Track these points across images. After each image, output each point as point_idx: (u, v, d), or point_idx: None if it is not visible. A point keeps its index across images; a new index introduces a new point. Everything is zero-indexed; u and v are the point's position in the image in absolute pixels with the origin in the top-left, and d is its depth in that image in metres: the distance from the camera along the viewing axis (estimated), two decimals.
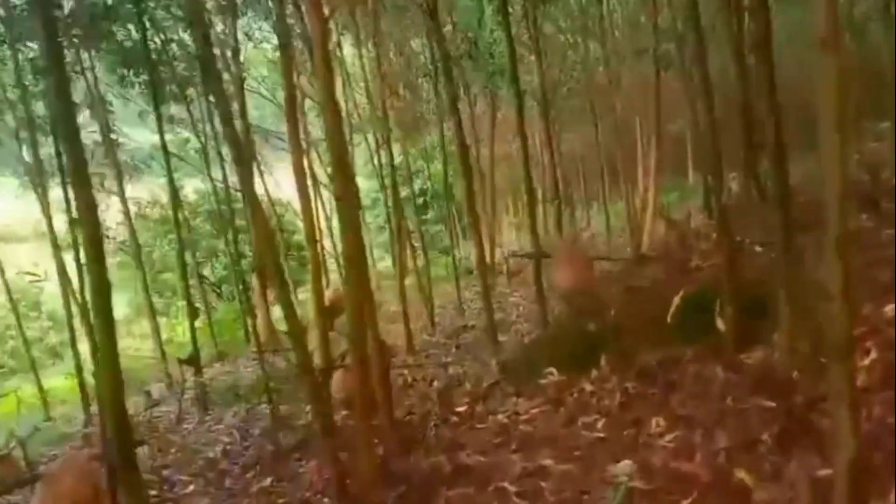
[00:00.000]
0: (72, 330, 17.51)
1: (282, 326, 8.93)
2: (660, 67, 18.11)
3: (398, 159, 25.07)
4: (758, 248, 10.56)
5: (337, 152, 6.09)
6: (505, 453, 7.71)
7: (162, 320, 28.56)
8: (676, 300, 9.14)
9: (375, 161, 22.84)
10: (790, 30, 23.32)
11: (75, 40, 18.08)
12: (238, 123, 21.88)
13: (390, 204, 21.00)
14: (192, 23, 11.63)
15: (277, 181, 27.14)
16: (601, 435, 7.41)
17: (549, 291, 13.35)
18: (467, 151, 14.68)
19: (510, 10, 18.49)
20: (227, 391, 16.15)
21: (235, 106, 21.53)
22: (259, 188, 24.03)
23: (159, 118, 16.65)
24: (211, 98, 23.06)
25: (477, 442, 8.33)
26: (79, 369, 16.90)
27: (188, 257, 23.42)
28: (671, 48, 16.96)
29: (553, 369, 9.55)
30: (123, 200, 21.17)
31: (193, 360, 16.36)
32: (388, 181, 19.60)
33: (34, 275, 22.58)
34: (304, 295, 27.73)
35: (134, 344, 25.65)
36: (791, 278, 7.33)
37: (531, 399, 9.17)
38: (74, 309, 15.98)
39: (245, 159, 7.35)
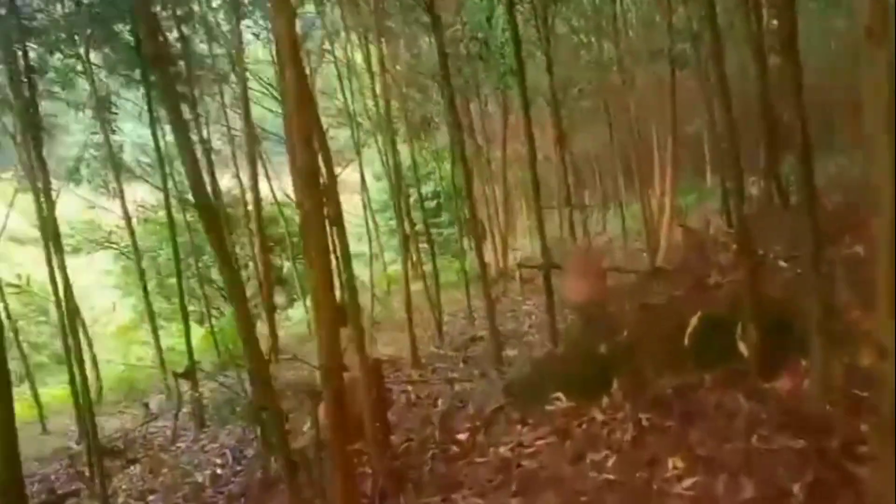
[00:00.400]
0: (64, 338, 16.84)
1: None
2: (675, 67, 17.45)
3: (408, 161, 24.63)
4: (782, 263, 9.78)
5: (305, 161, 5.34)
6: (504, 496, 6.99)
7: (171, 326, 28.13)
8: (694, 320, 8.38)
9: (383, 163, 22.21)
10: (807, 28, 22.69)
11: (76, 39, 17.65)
12: (241, 124, 21.65)
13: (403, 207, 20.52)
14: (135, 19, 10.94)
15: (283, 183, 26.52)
16: (611, 477, 6.67)
17: (560, 304, 12.74)
18: (465, 157, 14.04)
19: (520, 9, 18.04)
20: (226, 406, 15.51)
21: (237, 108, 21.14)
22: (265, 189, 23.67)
23: (152, 120, 16.02)
24: (218, 99, 22.94)
25: (475, 480, 7.62)
26: (72, 379, 16.25)
27: (196, 262, 22.89)
28: (687, 48, 16.37)
29: (561, 394, 8.81)
30: (123, 203, 20.61)
31: (189, 374, 15.67)
32: (395, 184, 18.96)
33: (15, 285, 21.97)
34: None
35: (138, 352, 25.15)
36: (820, 297, 6.61)
37: (536, 428, 8.42)
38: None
39: (197, 170, 6.68)
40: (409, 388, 13.60)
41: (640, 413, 7.63)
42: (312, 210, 5.34)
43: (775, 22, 18.58)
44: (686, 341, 8.32)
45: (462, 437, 9.17)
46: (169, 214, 17.14)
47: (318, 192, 5.43)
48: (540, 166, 29.71)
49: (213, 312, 24.18)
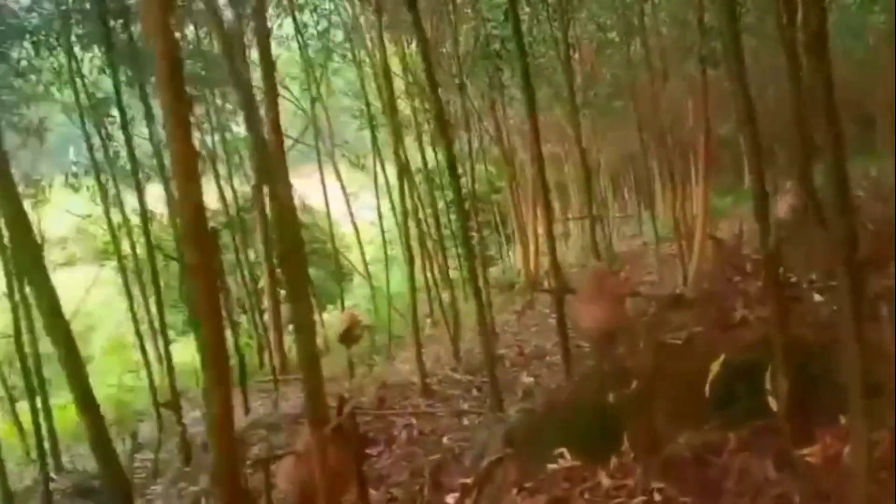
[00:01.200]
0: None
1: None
2: (706, 66, 16.46)
3: (432, 163, 23.78)
4: (818, 297, 8.52)
5: (190, 203, 4.20)
6: None
7: (185, 338, 27.27)
8: (715, 366, 7.21)
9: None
10: (845, 23, 21.67)
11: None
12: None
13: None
14: None
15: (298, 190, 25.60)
16: None
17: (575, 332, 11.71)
18: (455, 162, 13.08)
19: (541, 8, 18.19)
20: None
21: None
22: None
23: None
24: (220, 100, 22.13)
25: None
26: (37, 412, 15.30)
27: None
28: (717, 46, 15.44)
29: (565, 450, 7.66)
30: (122, 210, 19.69)
31: (172, 404, 14.58)
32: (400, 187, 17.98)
33: None
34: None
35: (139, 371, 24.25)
36: (859, 340, 5.44)
37: (533, 495, 7.27)
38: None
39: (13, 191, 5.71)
40: (414, 421, 12.60)
41: (653, 480, 6.51)
42: (200, 264, 4.22)
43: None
44: (707, 390, 7.17)
45: (451, 500, 8.12)
46: (144, 223, 16.01)
47: (206, 240, 4.30)
48: (575, 170, 29.11)
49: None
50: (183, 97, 4.17)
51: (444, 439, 11.27)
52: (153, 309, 18.20)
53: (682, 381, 7.54)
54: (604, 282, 10.62)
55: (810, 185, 12.14)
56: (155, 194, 24.41)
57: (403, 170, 17.56)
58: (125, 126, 15.41)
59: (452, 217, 27.07)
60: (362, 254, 27.99)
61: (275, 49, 25.31)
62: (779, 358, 6.35)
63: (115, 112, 19.48)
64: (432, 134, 24.67)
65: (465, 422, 12.03)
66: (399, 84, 22.86)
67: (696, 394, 7.16)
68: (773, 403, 6.48)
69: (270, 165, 6.40)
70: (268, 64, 8.33)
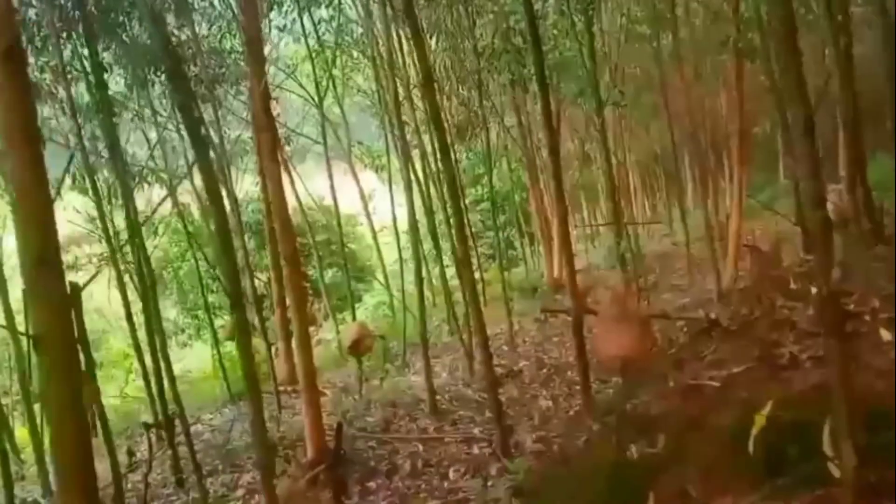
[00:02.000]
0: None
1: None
2: (741, 59, 15.58)
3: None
4: (886, 336, 7.11)
5: (35, 244, 3.06)
6: None
7: (196, 344, 26.52)
8: (760, 418, 5.95)
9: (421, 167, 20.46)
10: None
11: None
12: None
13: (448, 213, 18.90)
14: None
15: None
16: None
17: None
18: (450, 163, 12.07)
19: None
20: (213, 457, 13.50)
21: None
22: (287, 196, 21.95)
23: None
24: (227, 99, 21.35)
25: None
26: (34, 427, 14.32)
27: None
28: (755, 38, 14.59)
29: None
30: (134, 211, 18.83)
31: (162, 425, 13.40)
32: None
33: None
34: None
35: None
36: None
37: None
38: None
39: None
40: (420, 447, 11.62)
41: None
42: (52, 333, 3.05)
43: (853, 10, 16.70)
44: (750, 448, 5.93)
45: None
46: (134, 224, 15.02)
47: (59, 298, 3.13)
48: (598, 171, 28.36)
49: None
50: (27, 100, 3.08)
51: (451, 472, 10.35)
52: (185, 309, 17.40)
53: (719, 435, 6.30)
54: (627, 302, 9.49)
55: (865, 187, 10.98)
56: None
57: (415, 172, 16.61)
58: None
59: (473, 218, 26.21)
60: (380, 256, 27.09)
61: (290, 45, 24.81)
62: (840, 412, 5.11)
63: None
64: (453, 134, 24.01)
65: (476, 450, 11.02)
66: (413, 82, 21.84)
67: (736, 452, 5.90)
68: (833, 469, 5.25)
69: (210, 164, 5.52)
70: (258, 60, 7.78)
